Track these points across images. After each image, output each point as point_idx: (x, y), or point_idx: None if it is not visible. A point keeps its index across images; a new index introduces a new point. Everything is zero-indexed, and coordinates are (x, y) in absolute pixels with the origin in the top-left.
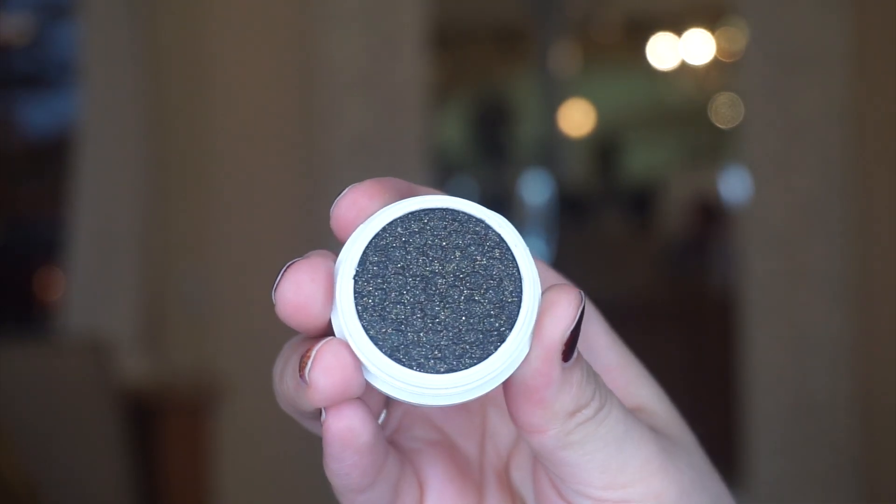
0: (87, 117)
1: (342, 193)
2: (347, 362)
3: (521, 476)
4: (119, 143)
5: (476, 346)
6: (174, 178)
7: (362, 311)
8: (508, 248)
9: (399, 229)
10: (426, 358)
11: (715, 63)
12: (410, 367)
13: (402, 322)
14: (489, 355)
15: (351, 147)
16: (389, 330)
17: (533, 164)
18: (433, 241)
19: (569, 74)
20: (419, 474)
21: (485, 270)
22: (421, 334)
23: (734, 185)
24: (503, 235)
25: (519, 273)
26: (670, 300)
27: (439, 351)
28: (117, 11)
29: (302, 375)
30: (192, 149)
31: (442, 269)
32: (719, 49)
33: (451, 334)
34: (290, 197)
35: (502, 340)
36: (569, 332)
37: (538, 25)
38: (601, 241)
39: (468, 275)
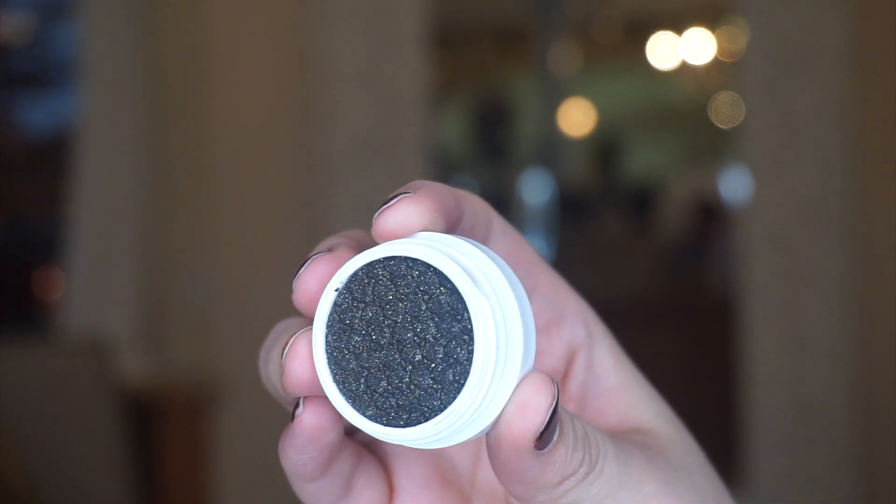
0: (86, 117)
1: (390, 203)
2: None
3: None
4: (119, 142)
5: (404, 410)
6: (174, 177)
7: (332, 323)
8: (472, 340)
9: (396, 267)
10: (361, 396)
11: (715, 63)
12: (343, 393)
13: (360, 353)
14: (409, 426)
15: (351, 146)
16: (346, 353)
17: (533, 164)
18: (417, 295)
19: (569, 74)
20: (393, 477)
21: (445, 347)
22: (368, 373)
23: (734, 185)
24: (475, 330)
25: (470, 367)
26: (670, 300)
27: (370, 395)
28: (117, 11)
29: (281, 360)
30: (192, 148)
31: (411, 324)
32: (720, 49)
33: (389, 387)
34: (290, 196)
35: (427, 419)
36: (539, 432)
37: (538, 25)
38: (601, 241)
39: (429, 343)
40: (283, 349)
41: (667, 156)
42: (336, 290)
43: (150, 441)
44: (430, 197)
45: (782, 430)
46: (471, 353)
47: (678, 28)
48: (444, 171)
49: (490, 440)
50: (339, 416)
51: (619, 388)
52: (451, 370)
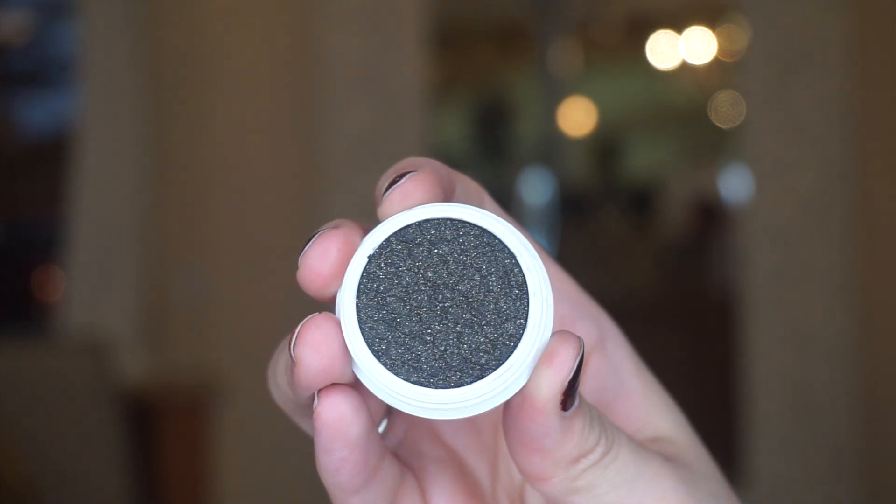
0: (86, 116)
1: (399, 183)
2: (334, 336)
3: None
4: (118, 141)
5: (454, 371)
6: (173, 176)
7: (362, 291)
8: (527, 293)
9: (432, 230)
10: (403, 361)
11: (716, 62)
12: (383, 363)
13: (396, 318)
14: (461, 385)
15: (351, 146)
16: (380, 321)
17: (533, 163)
18: (459, 254)
19: (569, 73)
20: (424, 490)
21: (495, 303)
22: (409, 338)
23: (734, 184)
24: (528, 279)
25: (526, 321)
26: (670, 299)
27: (417, 361)
28: (117, 10)
29: (290, 353)
30: (192, 147)
31: (455, 284)
32: (720, 48)
33: (436, 350)
34: (289, 195)
35: (481, 377)
36: (566, 383)
37: (539, 24)
38: (601, 240)
39: (478, 301)
40: (291, 341)
41: (667, 155)
42: (368, 257)
43: (149, 441)
44: (433, 173)
45: (782, 429)
46: (526, 303)
47: (678, 27)
48: None
49: (514, 401)
50: (362, 408)
51: (640, 394)
52: (505, 325)
